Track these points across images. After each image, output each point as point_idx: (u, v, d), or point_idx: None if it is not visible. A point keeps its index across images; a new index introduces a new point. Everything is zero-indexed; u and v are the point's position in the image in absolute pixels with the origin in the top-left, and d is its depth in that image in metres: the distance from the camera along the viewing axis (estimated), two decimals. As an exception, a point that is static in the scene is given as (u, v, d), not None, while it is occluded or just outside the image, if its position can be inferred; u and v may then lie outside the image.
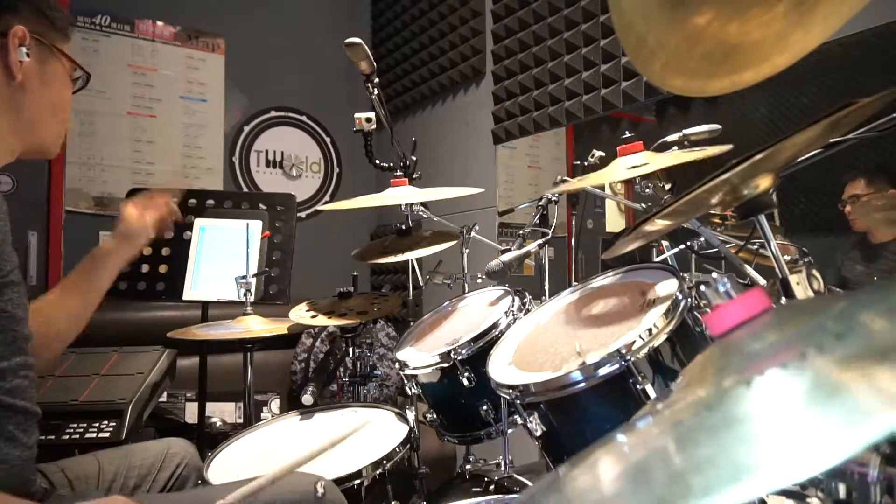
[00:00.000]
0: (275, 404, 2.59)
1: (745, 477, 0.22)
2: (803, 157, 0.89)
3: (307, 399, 1.43)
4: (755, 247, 1.15)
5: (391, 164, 1.83)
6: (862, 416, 0.22)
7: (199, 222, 1.91)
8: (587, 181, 1.21)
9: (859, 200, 1.62)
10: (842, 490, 0.47)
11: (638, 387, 0.90)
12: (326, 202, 3.78)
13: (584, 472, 0.37)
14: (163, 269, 1.89)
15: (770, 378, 0.30)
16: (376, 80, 1.63)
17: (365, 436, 1.30)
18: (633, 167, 1.10)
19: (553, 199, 1.51)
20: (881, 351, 0.25)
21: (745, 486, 0.22)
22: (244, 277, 1.65)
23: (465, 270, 1.82)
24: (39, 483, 0.99)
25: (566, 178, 1.49)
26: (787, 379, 0.29)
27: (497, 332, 1.27)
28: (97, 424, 1.55)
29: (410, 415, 1.35)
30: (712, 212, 1.42)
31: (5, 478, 0.85)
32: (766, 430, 0.26)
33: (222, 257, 1.89)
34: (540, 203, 1.50)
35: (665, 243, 1.41)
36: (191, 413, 2.38)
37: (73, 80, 1.05)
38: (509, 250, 1.37)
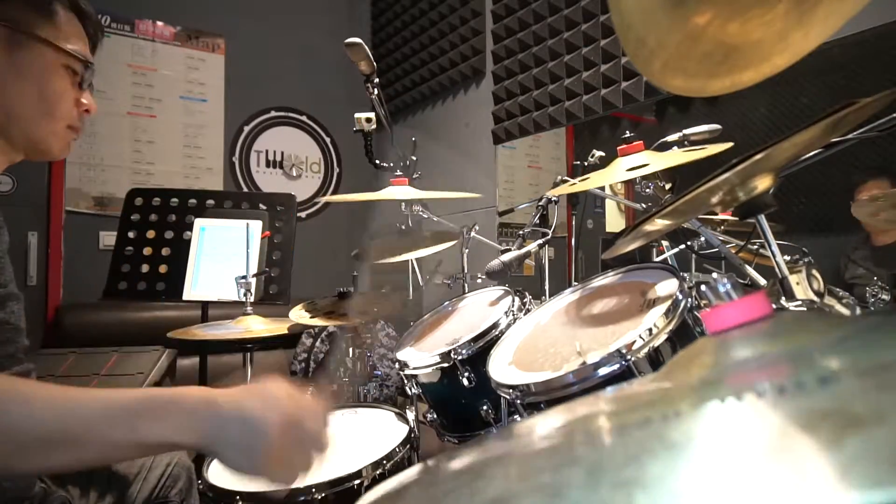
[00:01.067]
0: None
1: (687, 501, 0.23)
2: (803, 157, 0.89)
3: (307, 399, 1.43)
4: (755, 247, 1.15)
5: (391, 164, 1.83)
6: (802, 489, 0.22)
7: (199, 222, 1.91)
8: (587, 183, 1.21)
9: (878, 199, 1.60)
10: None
11: (638, 387, 0.90)
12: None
13: (541, 428, 0.37)
14: (163, 269, 1.89)
15: (744, 404, 0.30)
16: (376, 80, 1.63)
17: (365, 436, 1.30)
18: (633, 168, 1.10)
19: (553, 199, 1.51)
20: (850, 421, 0.26)
21: None
22: (244, 277, 1.65)
23: (465, 270, 1.82)
24: (39, 485, 0.99)
25: (566, 178, 1.49)
26: (758, 412, 0.29)
27: (497, 332, 1.27)
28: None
29: (410, 415, 1.35)
30: (709, 214, 1.42)
31: (6, 485, 0.85)
32: (719, 465, 0.26)
33: (222, 257, 1.89)
34: (540, 203, 1.50)
35: (665, 243, 1.41)
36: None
37: (71, 70, 0.92)
38: (509, 250, 1.37)
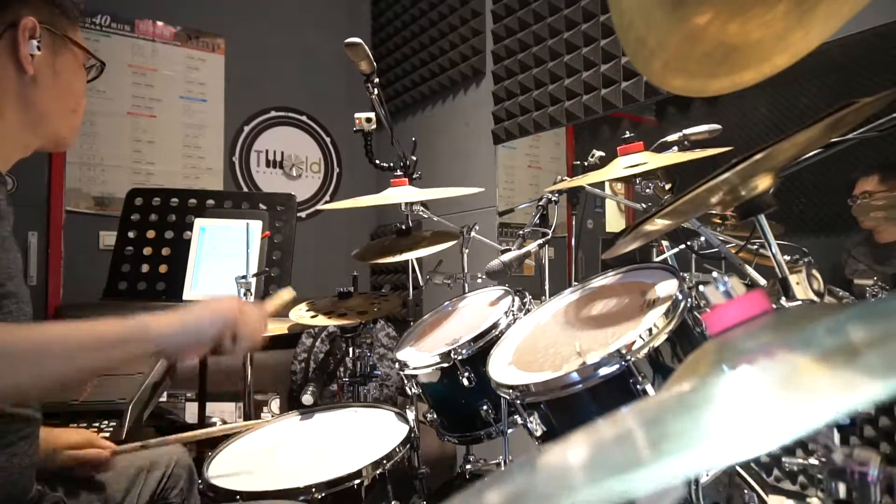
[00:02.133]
0: (275, 404, 2.59)
1: (712, 444, 0.24)
2: (803, 157, 0.89)
3: (307, 399, 1.43)
4: (755, 247, 1.15)
5: (391, 164, 1.83)
6: (818, 400, 0.23)
7: (199, 222, 1.91)
8: (584, 179, 1.21)
9: (871, 197, 1.60)
10: (842, 490, 0.47)
11: (638, 387, 0.90)
12: (326, 202, 3.79)
13: (561, 448, 0.38)
14: (163, 269, 1.89)
15: (751, 366, 0.31)
16: (376, 80, 1.63)
17: (365, 436, 1.30)
18: (631, 166, 1.10)
19: (553, 199, 1.51)
20: (852, 351, 0.27)
21: (710, 452, 0.23)
22: (244, 277, 1.65)
23: (465, 270, 1.82)
24: (35, 487, 0.98)
25: (566, 178, 1.49)
26: (766, 368, 0.30)
27: (497, 332, 1.27)
28: (97, 425, 1.55)
29: (410, 415, 1.35)
30: (712, 212, 1.42)
31: (3, 485, 0.85)
32: (737, 408, 0.28)
33: (222, 257, 1.89)
34: (540, 203, 1.50)
35: (665, 243, 1.41)
36: (191, 413, 2.37)
37: (87, 68, 1.00)
38: (509, 250, 1.37)
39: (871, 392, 0.22)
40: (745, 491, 0.84)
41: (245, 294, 1.65)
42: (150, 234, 1.92)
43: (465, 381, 1.26)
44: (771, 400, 0.26)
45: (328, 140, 3.83)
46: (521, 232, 1.45)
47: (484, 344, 1.26)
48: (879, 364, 0.24)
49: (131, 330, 0.81)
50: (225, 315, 0.88)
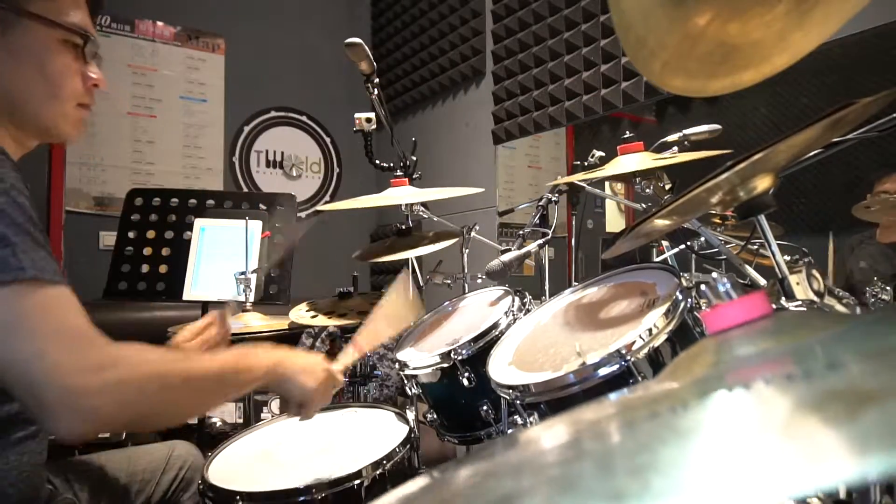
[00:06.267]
0: (275, 404, 2.59)
1: (704, 491, 0.22)
2: (803, 157, 0.89)
3: (307, 399, 1.43)
4: (755, 247, 1.15)
5: (391, 164, 1.83)
6: (814, 462, 0.22)
7: (199, 222, 1.91)
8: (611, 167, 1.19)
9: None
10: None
11: (638, 387, 0.90)
12: (326, 202, 3.79)
13: (545, 439, 0.37)
14: (163, 269, 1.89)
15: (752, 392, 0.30)
16: (376, 80, 1.63)
17: (365, 436, 1.30)
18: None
19: (553, 199, 1.50)
20: (852, 399, 0.26)
21: (701, 499, 0.22)
22: (243, 273, 1.65)
23: (465, 270, 1.82)
24: (47, 486, 0.98)
25: (566, 179, 1.48)
26: (768, 398, 0.29)
27: (497, 333, 1.27)
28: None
29: (410, 415, 1.35)
30: (712, 212, 1.42)
31: (15, 483, 0.85)
32: (733, 447, 0.26)
33: (222, 257, 1.89)
34: (540, 203, 1.50)
35: (665, 243, 1.41)
36: (191, 413, 2.37)
37: (71, 44, 0.86)
38: (509, 250, 1.37)
39: (868, 465, 0.20)
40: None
41: (244, 290, 1.65)
42: (150, 234, 1.92)
43: (465, 382, 1.26)
44: (765, 451, 0.24)
45: (328, 140, 3.83)
46: (521, 232, 1.45)
47: (484, 344, 1.26)
48: (879, 431, 0.22)
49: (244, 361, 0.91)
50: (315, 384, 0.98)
